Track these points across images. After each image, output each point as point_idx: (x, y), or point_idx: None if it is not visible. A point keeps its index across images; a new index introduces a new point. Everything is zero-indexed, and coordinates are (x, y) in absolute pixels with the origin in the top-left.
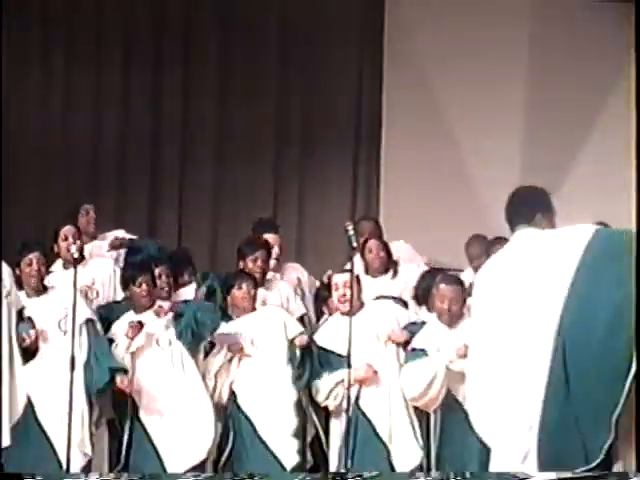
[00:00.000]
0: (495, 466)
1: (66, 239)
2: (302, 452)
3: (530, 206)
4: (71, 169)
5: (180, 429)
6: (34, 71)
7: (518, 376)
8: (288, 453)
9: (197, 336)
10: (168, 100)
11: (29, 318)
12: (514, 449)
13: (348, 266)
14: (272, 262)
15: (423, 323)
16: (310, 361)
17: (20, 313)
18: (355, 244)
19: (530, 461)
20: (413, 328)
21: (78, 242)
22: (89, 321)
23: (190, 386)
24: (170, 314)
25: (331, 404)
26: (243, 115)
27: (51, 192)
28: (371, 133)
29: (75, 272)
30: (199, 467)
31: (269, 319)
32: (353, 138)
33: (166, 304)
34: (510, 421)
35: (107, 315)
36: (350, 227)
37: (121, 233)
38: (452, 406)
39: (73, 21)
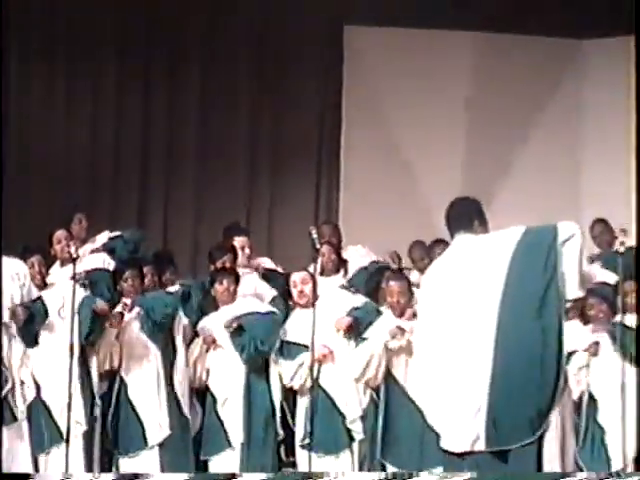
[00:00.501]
0: (445, 445)
1: (60, 242)
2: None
3: (467, 215)
4: (71, 179)
5: (156, 406)
6: (36, 93)
7: (465, 364)
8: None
9: (155, 322)
10: (155, 122)
11: (42, 303)
12: (464, 431)
13: (311, 266)
14: (244, 261)
15: (366, 304)
16: (243, 335)
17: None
18: (318, 246)
19: (480, 441)
20: (356, 312)
21: (71, 243)
22: (85, 298)
23: (152, 369)
24: (137, 308)
25: (296, 384)
26: (222, 137)
27: (51, 200)
28: (332, 151)
29: (74, 268)
30: (173, 440)
31: (244, 309)
32: (316, 156)
33: (129, 300)
34: (459, 406)
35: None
36: (314, 232)
37: (106, 236)
38: (395, 384)
39: (72, 45)
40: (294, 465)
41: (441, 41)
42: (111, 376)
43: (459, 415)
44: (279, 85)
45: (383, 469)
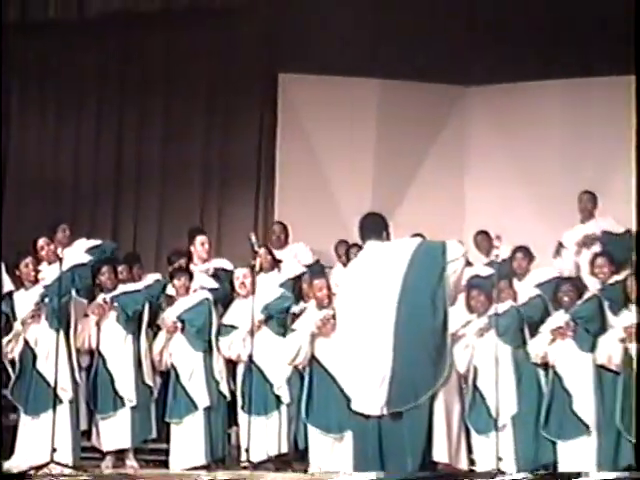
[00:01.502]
0: (357, 408)
1: (42, 248)
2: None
3: (378, 226)
4: (57, 195)
5: (127, 377)
6: (33, 128)
7: (372, 345)
8: (202, 395)
9: (127, 315)
10: (126, 148)
11: (11, 298)
12: (374, 397)
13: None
14: (203, 254)
15: (280, 294)
16: (186, 329)
17: (10, 295)
18: (257, 249)
19: (385, 405)
20: (269, 306)
21: (51, 247)
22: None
23: (125, 349)
24: (115, 303)
25: (232, 354)
26: (181, 159)
27: (41, 212)
28: (268, 170)
29: (60, 266)
30: (140, 406)
31: (194, 300)
32: (256, 173)
33: (108, 296)
34: (369, 377)
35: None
36: (253, 237)
37: (83, 242)
38: (317, 363)
39: (60, 87)
40: (237, 424)
41: (355, 85)
42: (91, 353)
43: (369, 385)
44: (226, 118)
45: (305, 429)
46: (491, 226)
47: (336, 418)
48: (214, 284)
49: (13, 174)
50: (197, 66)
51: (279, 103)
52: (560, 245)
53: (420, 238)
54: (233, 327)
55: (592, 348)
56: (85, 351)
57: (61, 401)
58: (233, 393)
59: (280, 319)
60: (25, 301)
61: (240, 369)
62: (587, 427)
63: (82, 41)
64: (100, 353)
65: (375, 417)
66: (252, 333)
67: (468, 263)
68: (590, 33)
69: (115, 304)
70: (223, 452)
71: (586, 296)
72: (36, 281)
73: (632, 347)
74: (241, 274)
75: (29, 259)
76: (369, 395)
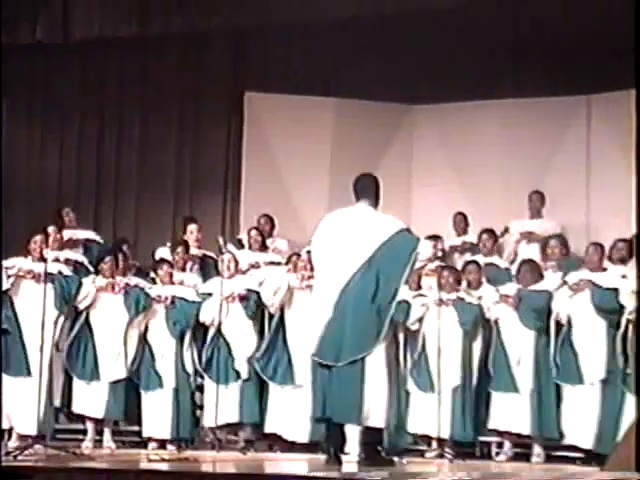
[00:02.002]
0: (318, 359)
1: (50, 235)
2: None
3: (369, 187)
4: (45, 196)
5: (115, 350)
6: (21, 138)
7: (323, 295)
8: (169, 377)
9: (137, 310)
10: (107, 153)
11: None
12: (332, 346)
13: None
14: (194, 242)
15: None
16: (175, 312)
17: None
18: (224, 250)
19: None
20: (250, 293)
21: (57, 235)
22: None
23: (119, 326)
24: (125, 291)
25: (207, 319)
26: (156, 167)
27: (44, 207)
28: (235, 178)
29: (46, 263)
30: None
31: (188, 296)
32: (223, 183)
33: (124, 280)
34: (315, 323)
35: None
36: (220, 239)
37: (86, 233)
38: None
39: (47, 101)
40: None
41: (313, 103)
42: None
43: (315, 331)
44: (197, 131)
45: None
46: (435, 231)
47: (287, 372)
48: (199, 280)
49: (3, 180)
50: (170, 84)
51: (245, 119)
52: (505, 230)
53: (403, 224)
54: (210, 295)
55: (535, 328)
56: (75, 307)
57: (31, 374)
58: (202, 377)
59: (253, 305)
60: (24, 265)
61: (209, 344)
62: (516, 387)
63: (66, 61)
64: (90, 329)
65: (323, 365)
66: (220, 309)
67: (438, 258)
68: (529, 56)
69: (123, 291)
70: (191, 433)
71: (541, 286)
72: (42, 259)
73: (575, 300)
74: (227, 258)
75: (39, 237)
76: (315, 342)
